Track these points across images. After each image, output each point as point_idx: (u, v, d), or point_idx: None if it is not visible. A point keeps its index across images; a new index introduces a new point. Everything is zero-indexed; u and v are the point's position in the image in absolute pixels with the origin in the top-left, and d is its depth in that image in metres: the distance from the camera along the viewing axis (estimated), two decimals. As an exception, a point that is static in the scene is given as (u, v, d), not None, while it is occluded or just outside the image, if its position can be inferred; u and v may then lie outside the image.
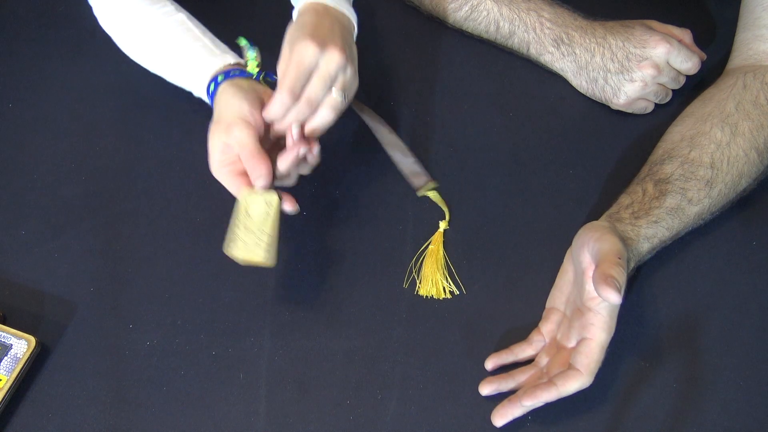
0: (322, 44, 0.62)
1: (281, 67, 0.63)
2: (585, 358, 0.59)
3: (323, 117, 0.64)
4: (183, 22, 0.71)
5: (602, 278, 0.56)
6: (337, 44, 0.63)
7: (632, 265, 0.65)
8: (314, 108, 0.64)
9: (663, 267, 0.69)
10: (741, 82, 0.72)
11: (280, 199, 0.63)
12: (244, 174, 0.64)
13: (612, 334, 0.60)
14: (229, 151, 0.64)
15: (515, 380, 0.63)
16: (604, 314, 0.60)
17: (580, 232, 0.64)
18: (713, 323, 0.67)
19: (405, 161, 0.75)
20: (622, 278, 0.57)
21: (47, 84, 0.82)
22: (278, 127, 0.65)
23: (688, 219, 0.67)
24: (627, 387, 0.64)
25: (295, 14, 0.68)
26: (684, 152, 0.70)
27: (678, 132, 0.72)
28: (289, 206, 0.64)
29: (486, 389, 0.63)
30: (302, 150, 0.63)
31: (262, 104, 0.65)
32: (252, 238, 0.61)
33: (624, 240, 0.62)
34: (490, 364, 0.64)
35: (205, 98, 0.70)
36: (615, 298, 0.56)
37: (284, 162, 0.64)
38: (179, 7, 0.73)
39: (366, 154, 0.76)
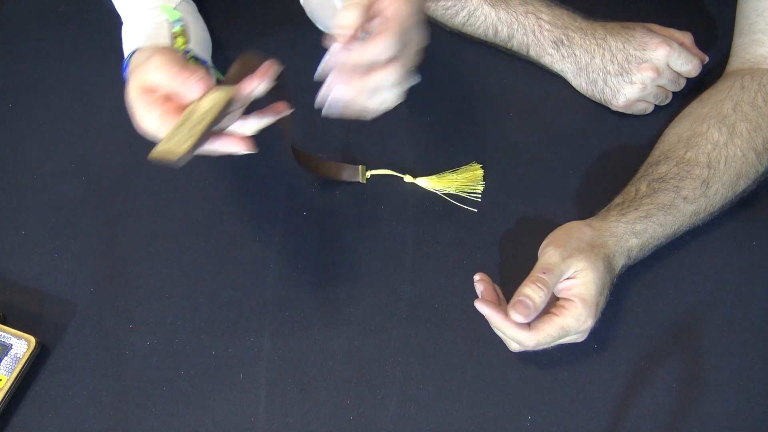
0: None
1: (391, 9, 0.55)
2: (543, 324, 0.60)
3: (386, 99, 0.57)
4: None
5: (514, 298, 0.60)
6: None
7: (621, 261, 0.65)
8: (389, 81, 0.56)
9: (663, 267, 0.70)
10: (738, 84, 0.72)
11: (230, 101, 0.54)
12: (178, 111, 0.55)
13: (582, 325, 0.60)
14: (150, 92, 0.55)
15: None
16: (576, 302, 0.60)
17: (550, 233, 0.66)
18: (713, 323, 0.67)
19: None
20: (536, 294, 0.59)
21: (47, 84, 0.82)
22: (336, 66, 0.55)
23: (684, 217, 0.67)
24: (627, 387, 0.64)
25: None
26: (680, 153, 0.70)
27: (675, 133, 0.72)
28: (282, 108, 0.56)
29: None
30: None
31: (180, 62, 0.55)
32: (182, 135, 0.52)
33: (589, 247, 0.63)
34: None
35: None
36: (519, 318, 0.59)
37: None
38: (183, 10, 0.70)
39: (366, 153, 0.76)
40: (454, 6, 0.82)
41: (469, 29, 0.83)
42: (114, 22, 0.76)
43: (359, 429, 0.62)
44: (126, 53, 0.65)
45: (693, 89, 0.78)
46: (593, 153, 0.77)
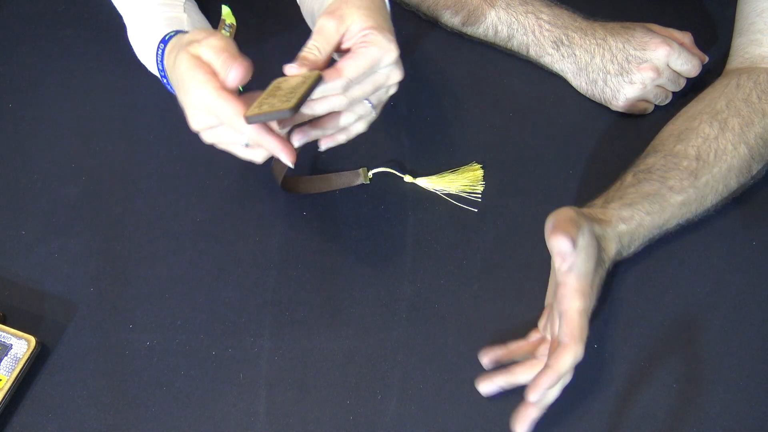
0: (397, 51, 0.56)
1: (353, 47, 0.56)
2: (566, 327, 0.57)
3: (356, 128, 0.61)
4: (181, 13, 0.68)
5: (551, 228, 0.57)
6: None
7: (612, 245, 0.65)
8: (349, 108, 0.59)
9: (663, 267, 0.70)
10: (734, 82, 0.73)
11: (321, 77, 0.55)
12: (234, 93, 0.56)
13: (591, 300, 0.59)
14: (204, 65, 0.55)
15: (514, 375, 0.62)
16: (571, 282, 0.58)
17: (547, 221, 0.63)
18: (713, 323, 0.67)
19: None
20: (573, 230, 0.57)
21: (47, 84, 0.82)
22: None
23: (673, 207, 0.67)
24: (627, 387, 0.64)
25: None
26: (669, 146, 0.70)
27: (668, 130, 0.73)
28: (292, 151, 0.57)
29: (484, 386, 0.62)
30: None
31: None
32: (279, 99, 0.54)
33: (588, 219, 0.62)
34: (485, 359, 0.64)
35: (156, 70, 0.65)
36: (563, 244, 0.56)
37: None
38: (192, 13, 0.71)
39: (366, 154, 0.76)
40: (454, 6, 0.82)
41: (468, 29, 0.83)
42: (114, 22, 0.76)
43: (359, 429, 0.62)
44: (144, 45, 0.65)
45: (693, 89, 0.78)
46: (593, 153, 0.77)
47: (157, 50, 0.65)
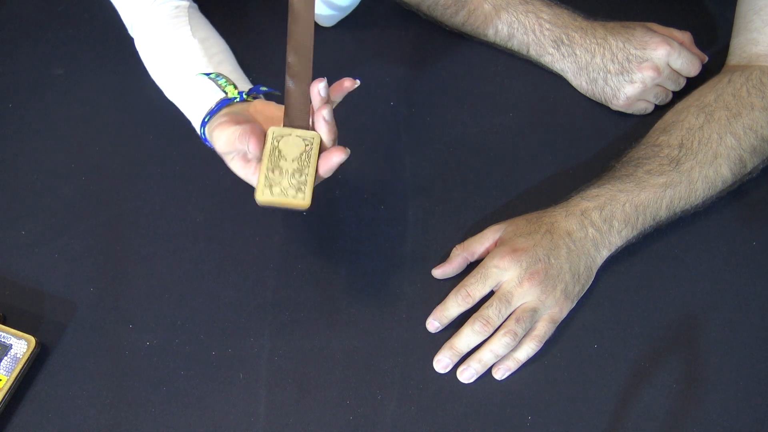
0: None
1: None
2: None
3: None
4: (195, 49, 0.69)
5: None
6: None
7: (572, 220, 0.67)
8: None
9: (663, 267, 0.70)
10: (726, 79, 0.73)
11: (320, 138, 0.57)
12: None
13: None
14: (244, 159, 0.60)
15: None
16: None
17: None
18: (713, 323, 0.67)
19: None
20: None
21: (47, 84, 0.82)
22: None
23: (654, 187, 0.68)
24: (627, 387, 0.64)
25: None
26: (653, 138, 0.72)
27: (655, 124, 0.74)
28: (349, 83, 0.58)
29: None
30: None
31: (241, 120, 0.60)
32: (289, 180, 0.56)
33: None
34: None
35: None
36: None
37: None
38: (197, 25, 0.72)
39: (366, 154, 0.76)
40: (454, 5, 0.82)
41: (468, 28, 0.83)
42: (114, 23, 0.76)
43: (359, 429, 0.62)
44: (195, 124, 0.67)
45: (692, 88, 0.78)
46: (593, 153, 0.77)
47: (202, 127, 0.66)
